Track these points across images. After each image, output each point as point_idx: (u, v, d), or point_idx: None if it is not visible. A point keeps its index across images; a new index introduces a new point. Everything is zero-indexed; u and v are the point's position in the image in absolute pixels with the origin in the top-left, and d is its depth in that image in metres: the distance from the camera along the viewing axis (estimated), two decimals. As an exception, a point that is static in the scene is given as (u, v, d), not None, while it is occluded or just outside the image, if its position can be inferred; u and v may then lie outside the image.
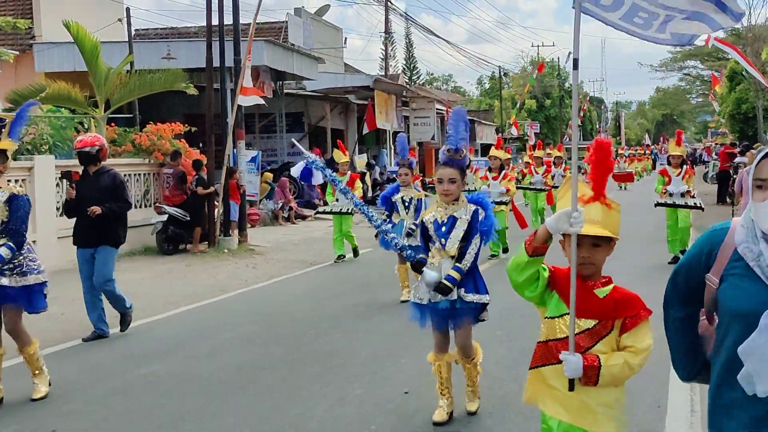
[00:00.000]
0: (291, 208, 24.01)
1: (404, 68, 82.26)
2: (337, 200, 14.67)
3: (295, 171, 6.39)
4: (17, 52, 18.16)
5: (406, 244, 5.90)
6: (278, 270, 14.57)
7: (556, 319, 3.58)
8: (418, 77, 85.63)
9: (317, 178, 6.12)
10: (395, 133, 36.81)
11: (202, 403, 6.65)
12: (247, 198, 20.41)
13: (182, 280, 13.48)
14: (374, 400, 6.52)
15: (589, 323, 3.53)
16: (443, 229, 5.75)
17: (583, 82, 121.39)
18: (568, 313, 3.52)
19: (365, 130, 32.71)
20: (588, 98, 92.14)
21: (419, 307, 5.84)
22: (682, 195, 13.78)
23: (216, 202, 17.07)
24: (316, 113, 32.00)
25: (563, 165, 22.47)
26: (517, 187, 22.69)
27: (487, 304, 5.84)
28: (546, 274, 3.56)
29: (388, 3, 42.09)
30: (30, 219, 14.06)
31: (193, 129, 18.88)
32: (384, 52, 47.73)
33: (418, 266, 5.72)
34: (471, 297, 5.73)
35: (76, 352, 8.75)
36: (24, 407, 6.68)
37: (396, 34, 77.45)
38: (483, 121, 57.45)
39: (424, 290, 5.75)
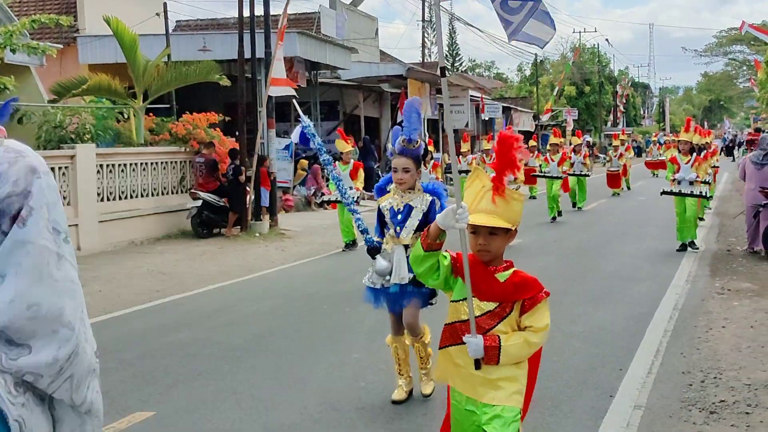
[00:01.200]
0: (323, 194, 24.80)
1: (446, 54, 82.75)
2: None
3: (294, 135, 6.25)
4: (61, 46, 19.15)
5: (367, 228, 6.13)
6: (305, 252, 15.38)
7: (460, 302, 3.76)
8: (460, 64, 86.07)
9: (312, 144, 6.00)
10: (429, 121, 37.50)
11: (219, 363, 7.49)
12: (280, 185, 21.28)
13: (214, 262, 14.37)
14: (369, 363, 7.32)
15: (491, 305, 3.71)
16: (399, 217, 5.94)
17: (628, 67, 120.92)
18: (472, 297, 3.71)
19: (399, 118, 33.37)
20: (631, 84, 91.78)
21: (373, 290, 6.16)
22: (691, 183, 13.58)
23: (248, 189, 17.93)
24: (350, 102, 32.76)
25: (583, 152, 22.91)
26: (533, 176, 23.23)
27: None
28: (447, 261, 3.74)
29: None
30: (72, 204, 15.11)
31: (227, 118, 19.75)
32: (422, 40, 48.04)
33: (372, 252, 6.02)
34: None
35: (113, 322, 9.63)
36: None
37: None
38: (520, 108, 57.71)
39: (376, 276, 6.10)
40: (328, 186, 15.98)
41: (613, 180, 27.78)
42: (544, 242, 15.94)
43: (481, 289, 3.71)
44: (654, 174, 36.31)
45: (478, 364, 3.69)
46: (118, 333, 8.98)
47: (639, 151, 64.08)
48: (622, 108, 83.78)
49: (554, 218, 19.47)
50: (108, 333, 8.99)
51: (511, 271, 3.75)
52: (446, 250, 3.77)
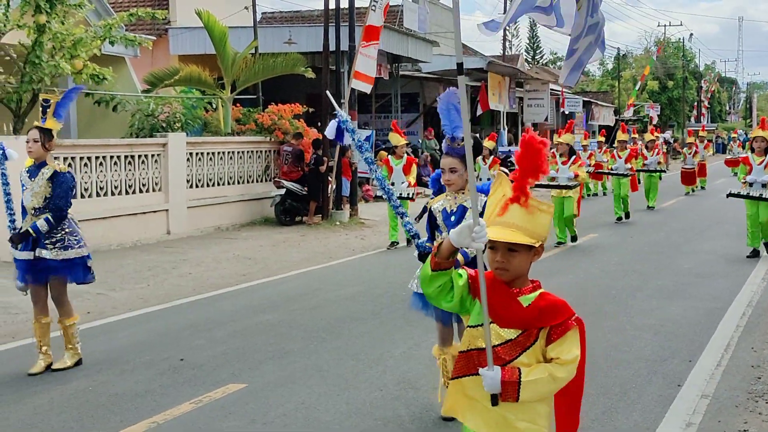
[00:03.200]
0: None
1: (527, 47, 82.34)
2: (392, 184, 14.13)
3: (329, 131, 5.91)
4: (154, 38, 19.90)
5: (417, 232, 5.83)
6: (384, 241, 15.76)
7: (478, 328, 3.30)
8: (542, 57, 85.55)
9: (347, 139, 6.20)
10: (508, 114, 37.59)
11: (304, 343, 7.95)
12: (361, 175, 21.73)
13: (296, 248, 14.89)
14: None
15: (512, 333, 3.26)
16: (452, 219, 5.61)
17: (715, 62, 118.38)
18: (490, 322, 3.27)
19: (479, 111, 33.59)
20: (716, 79, 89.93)
21: (421, 297, 5.70)
22: (764, 186, 12.54)
23: (330, 178, 18.43)
24: (430, 94, 33.08)
25: (658, 150, 22.20)
26: (598, 172, 22.40)
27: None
28: (462, 282, 3.28)
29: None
30: (163, 190, 15.88)
31: (311, 110, 20.28)
32: (503, 33, 47.97)
33: (424, 257, 5.37)
34: None
35: (202, 303, 10.18)
36: (157, 341, 8.11)
37: (518, 14, 76.94)
38: (601, 103, 57.22)
39: None
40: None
41: (688, 178, 26.62)
42: (619, 239, 16.05)
43: (501, 314, 3.27)
44: (733, 172, 35.69)
45: (494, 400, 3.24)
46: (208, 313, 9.51)
47: (723, 148, 62.80)
48: (706, 103, 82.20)
49: (620, 218, 18.59)
50: (198, 312, 9.55)
51: (537, 293, 3.30)
52: (463, 266, 3.43)
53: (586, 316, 8.93)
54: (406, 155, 14.90)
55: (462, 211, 5.60)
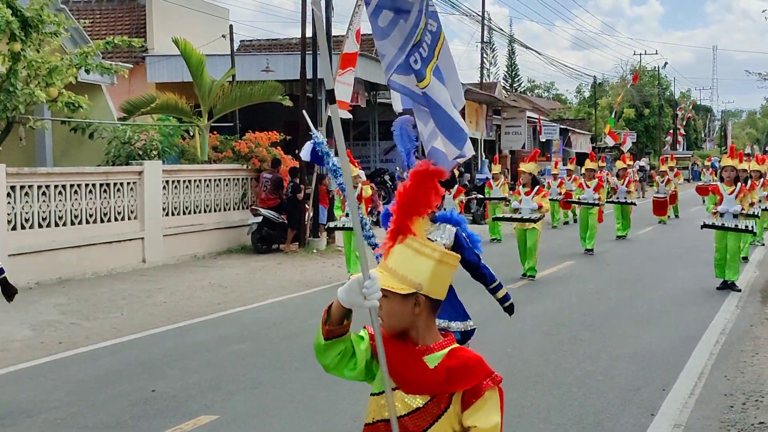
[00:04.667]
0: (380, 213, 25.22)
1: (505, 75, 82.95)
2: (346, 215, 13.72)
3: (304, 153, 5.28)
4: (131, 66, 19.90)
5: None
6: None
7: (382, 395, 2.82)
8: (519, 84, 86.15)
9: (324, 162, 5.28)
10: (485, 141, 37.78)
11: (278, 373, 7.90)
12: (338, 202, 21.72)
13: (272, 276, 14.83)
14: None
15: (419, 401, 2.77)
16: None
17: (690, 90, 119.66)
18: (394, 389, 2.80)
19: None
20: (692, 106, 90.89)
21: None
22: (735, 216, 12.20)
23: (306, 206, 18.41)
24: (408, 122, 33.18)
25: (628, 179, 21.28)
26: (567, 201, 21.98)
27: (473, 330, 5.65)
28: (364, 345, 2.84)
29: (484, 17, 42.93)
30: (139, 218, 15.73)
31: (288, 137, 20.28)
32: (480, 60, 48.30)
33: None
34: (458, 325, 5.49)
35: (176, 332, 10.10)
36: (129, 372, 8.03)
37: (498, 42, 77.93)
38: (578, 130, 57.65)
39: None
40: (334, 210, 15.16)
41: (660, 207, 25.90)
42: (596, 266, 16.11)
43: (406, 377, 2.78)
44: (704, 201, 35.83)
45: None
46: (182, 342, 9.44)
47: (698, 176, 63.36)
48: (682, 131, 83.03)
49: (588, 250, 17.71)
50: (172, 342, 9.47)
51: (445, 351, 2.79)
52: (365, 326, 2.89)
53: (562, 343, 9.06)
54: (360, 184, 13.77)
55: None
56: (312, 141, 5.31)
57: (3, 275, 7.00)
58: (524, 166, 14.96)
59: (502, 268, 13.80)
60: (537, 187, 14.39)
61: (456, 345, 2.83)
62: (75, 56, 14.94)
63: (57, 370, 8.19)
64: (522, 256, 14.24)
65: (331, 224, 15.59)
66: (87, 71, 15.14)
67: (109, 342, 9.52)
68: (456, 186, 17.49)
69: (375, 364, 2.83)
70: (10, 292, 7.06)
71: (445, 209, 5.90)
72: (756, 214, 13.87)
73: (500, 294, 5.81)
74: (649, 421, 6.41)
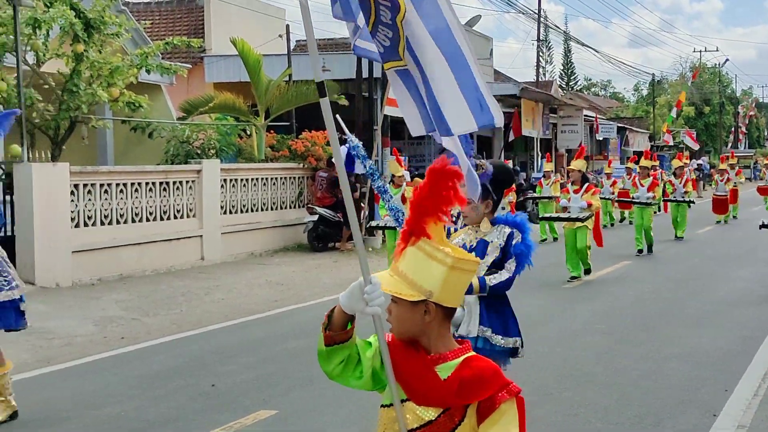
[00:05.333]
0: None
1: (561, 73, 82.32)
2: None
3: None
4: (189, 66, 20.18)
5: None
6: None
7: (393, 407, 2.66)
8: (576, 83, 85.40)
9: (359, 167, 5.81)
10: (542, 141, 37.54)
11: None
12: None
13: (328, 274, 14.92)
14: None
15: (431, 413, 2.60)
16: (472, 254, 4.57)
17: (752, 87, 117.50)
18: (404, 400, 2.64)
19: (511, 137, 33.56)
20: (754, 104, 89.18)
21: None
22: None
23: (362, 204, 18.48)
24: (464, 120, 33.11)
25: (686, 178, 20.67)
26: (620, 201, 21.22)
27: (519, 348, 5.31)
28: (371, 352, 2.69)
29: (540, 15, 42.65)
30: (197, 216, 16.00)
31: (344, 137, 20.34)
32: (536, 58, 47.99)
33: None
34: (499, 339, 5.18)
35: (234, 329, 10.23)
36: (189, 367, 8.16)
37: (554, 40, 77.44)
38: (636, 129, 56.93)
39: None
40: (379, 209, 15.27)
41: (719, 206, 25.07)
42: (652, 266, 15.90)
43: (417, 388, 2.62)
44: (765, 200, 34.92)
45: None
46: (240, 339, 9.56)
47: (759, 175, 62.15)
48: (743, 129, 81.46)
49: (641, 251, 17.26)
50: (230, 338, 9.60)
51: (460, 359, 2.63)
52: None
53: (617, 343, 8.97)
54: (404, 185, 13.99)
55: (483, 246, 5.11)
56: (347, 145, 5.50)
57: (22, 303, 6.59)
58: (573, 164, 14.52)
59: (549, 270, 13.68)
60: (586, 185, 13.86)
61: (472, 353, 2.66)
62: (136, 57, 15.23)
63: (119, 365, 8.36)
64: (569, 259, 13.63)
65: (373, 223, 15.65)
66: (147, 71, 15.42)
67: (169, 338, 9.69)
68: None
69: (383, 373, 2.67)
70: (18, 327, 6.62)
71: (504, 208, 5.65)
72: None
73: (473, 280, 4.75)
74: (712, 421, 6.32)
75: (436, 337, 2.63)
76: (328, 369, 2.71)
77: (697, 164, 46.33)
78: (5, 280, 6.42)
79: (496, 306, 5.18)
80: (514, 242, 5.09)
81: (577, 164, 14.29)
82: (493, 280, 5.03)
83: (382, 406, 2.70)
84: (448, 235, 5.13)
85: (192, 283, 13.61)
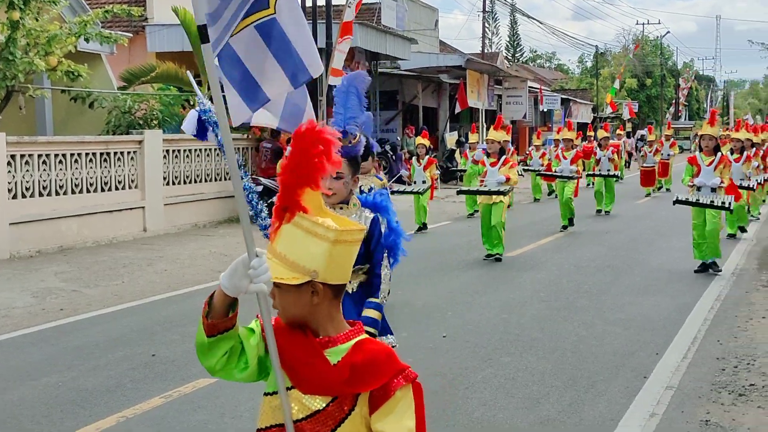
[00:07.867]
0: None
1: (507, 45, 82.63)
2: (415, 182, 15.72)
3: (187, 125, 4.19)
4: (131, 35, 19.85)
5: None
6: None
7: (276, 396, 2.45)
8: (521, 55, 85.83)
9: (211, 137, 4.13)
10: (487, 112, 37.75)
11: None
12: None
13: (273, 245, 14.90)
14: (417, 341, 7.75)
15: (319, 402, 2.38)
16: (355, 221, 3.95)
17: (693, 60, 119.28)
18: (290, 388, 2.42)
19: (457, 109, 33.71)
20: (694, 77, 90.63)
21: None
22: (713, 190, 11.10)
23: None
24: (409, 92, 33.18)
25: (611, 148, 19.80)
26: (546, 175, 19.69)
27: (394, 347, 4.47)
28: (255, 340, 2.47)
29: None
30: (140, 187, 15.81)
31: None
32: (482, 30, 48.11)
33: None
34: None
35: (177, 299, 10.20)
36: (130, 338, 8.14)
37: (500, 12, 77.59)
38: (580, 100, 57.55)
39: None
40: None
41: (647, 177, 24.09)
42: (593, 236, 16.18)
43: (303, 375, 2.40)
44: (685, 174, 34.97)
45: None
46: (183, 309, 9.53)
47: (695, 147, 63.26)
48: (684, 101, 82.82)
49: (565, 227, 16.33)
50: (173, 308, 9.57)
51: (351, 343, 2.40)
52: (257, 316, 2.49)
53: (559, 310, 9.15)
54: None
55: None
56: (197, 110, 4.29)
57: None
58: (491, 134, 13.23)
59: (469, 250, 13.54)
60: (503, 158, 12.74)
61: (364, 336, 2.43)
62: (74, 25, 14.92)
63: (58, 336, 8.30)
64: (484, 236, 12.60)
65: (402, 188, 16.11)
66: (86, 40, 15.13)
67: (111, 309, 9.62)
68: (428, 156, 16.47)
69: (269, 360, 2.44)
70: None
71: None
72: (751, 186, 13.73)
73: (369, 312, 4.32)
74: (642, 383, 6.51)
75: (325, 318, 2.40)
76: (211, 363, 2.44)
77: (641, 135, 47.00)
78: None
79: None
80: (380, 230, 4.33)
81: (496, 135, 13.06)
82: (383, 294, 4.38)
83: (265, 394, 2.48)
84: None
85: (134, 255, 13.50)
